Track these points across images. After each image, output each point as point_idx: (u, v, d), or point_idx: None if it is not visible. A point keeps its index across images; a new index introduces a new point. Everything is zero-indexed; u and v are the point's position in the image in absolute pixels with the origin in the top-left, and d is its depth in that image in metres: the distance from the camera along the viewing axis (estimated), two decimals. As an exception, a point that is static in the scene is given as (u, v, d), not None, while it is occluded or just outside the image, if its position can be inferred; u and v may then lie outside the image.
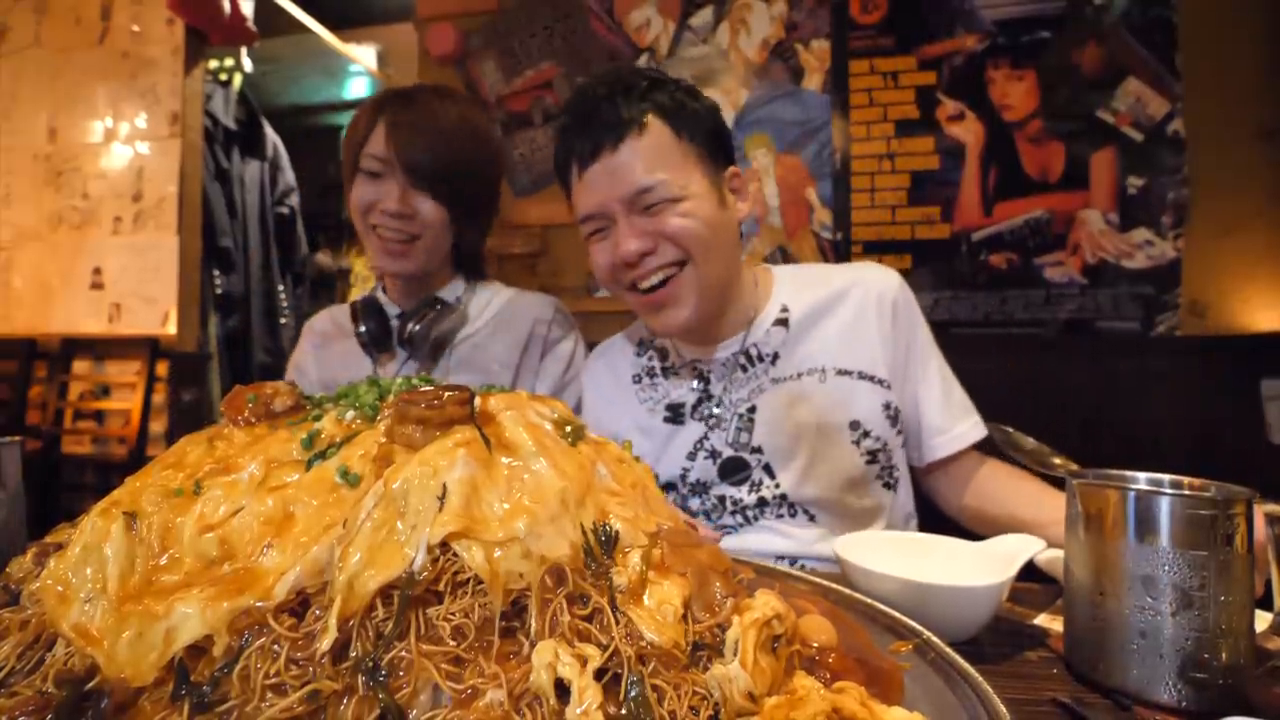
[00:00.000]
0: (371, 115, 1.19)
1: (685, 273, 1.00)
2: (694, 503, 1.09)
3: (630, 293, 1.04)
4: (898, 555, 0.73)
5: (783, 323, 1.09)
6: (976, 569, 0.70)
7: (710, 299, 1.03)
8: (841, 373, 1.05)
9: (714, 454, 1.07)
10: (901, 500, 1.09)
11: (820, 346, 1.07)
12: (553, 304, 1.35)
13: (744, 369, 1.08)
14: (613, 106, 0.98)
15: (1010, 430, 0.86)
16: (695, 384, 1.12)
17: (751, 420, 1.06)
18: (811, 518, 1.03)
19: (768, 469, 1.05)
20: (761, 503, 1.04)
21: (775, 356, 1.07)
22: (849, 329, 1.07)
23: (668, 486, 1.12)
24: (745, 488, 1.05)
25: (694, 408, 1.10)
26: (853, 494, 1.03)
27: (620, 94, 0.99)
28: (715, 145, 1.03)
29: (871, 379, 1.05)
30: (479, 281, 1.36)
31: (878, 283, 1.10)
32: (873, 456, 1.04)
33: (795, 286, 1.12)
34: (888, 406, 1.05)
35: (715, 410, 1.09)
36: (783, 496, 1.03)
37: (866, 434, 1.03)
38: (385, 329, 1.25)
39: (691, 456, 1.08)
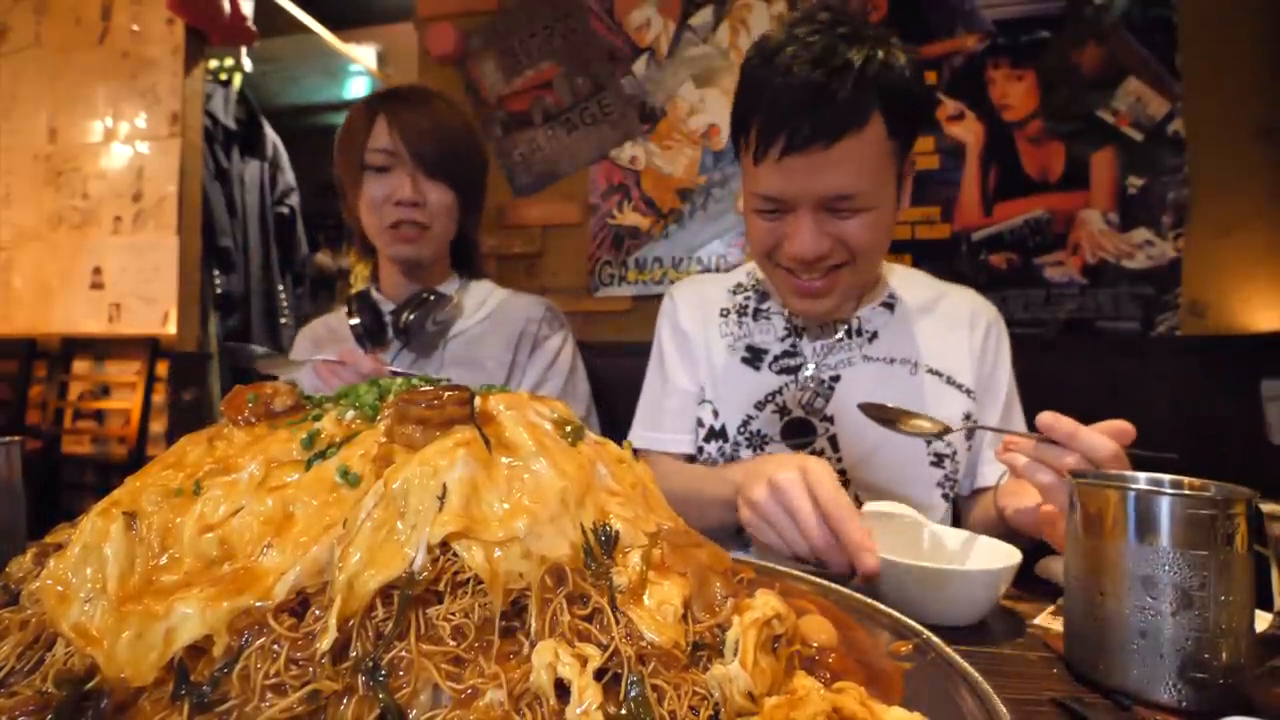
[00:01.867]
0: (367, 114, 1.21)
1: (844, 272, 0.97)
2: (745, 454, 1.08)
3: (782, 271, 1.00)
4: (900, 541, 0.73)
5: (889, 307, 1.09)
6: (978, 555, 0.71)
7: (856, 292, 1.03)
8: (932, 372, 1.05)
9: (783, 410, 1.06)
10: (952, 518, 1.08)
11: (918, 341, 1.07)
12: (545, 304, 1.37)
13: (840, 338, 1.08)
14: (841, 88, 0.84)
15: (882, 405, 0.86)
16: (785, 335, 1.10)
17: (832, 389, 1.05)
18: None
19: (833, 441, 1.04)
20: None
21: (874, 335, 1.07)
22: (946, 333, 1.08)
23: (719, 434, 1.10)
24: (805, 453, 1.05)
25: (776, 358, 1.09)
26: (910, 492, 1.02)
27: (849, 75, 0.85)
28: (913, 136, 0.94)
29: (959, 387, 1.05)
30: (473, 279, 1.36)
31: (975, 302, 1.13)
32: (939, 460, 1.03)
33: (903, 281, 1.13)
34: (968, 416, 1.04)
35: (799, 369, 1.08)
36: (841, 472, 1.03)
37: (939, 437, 1.04)
38: (379, 321, 1.27)
39: (760, 406, 1.07)
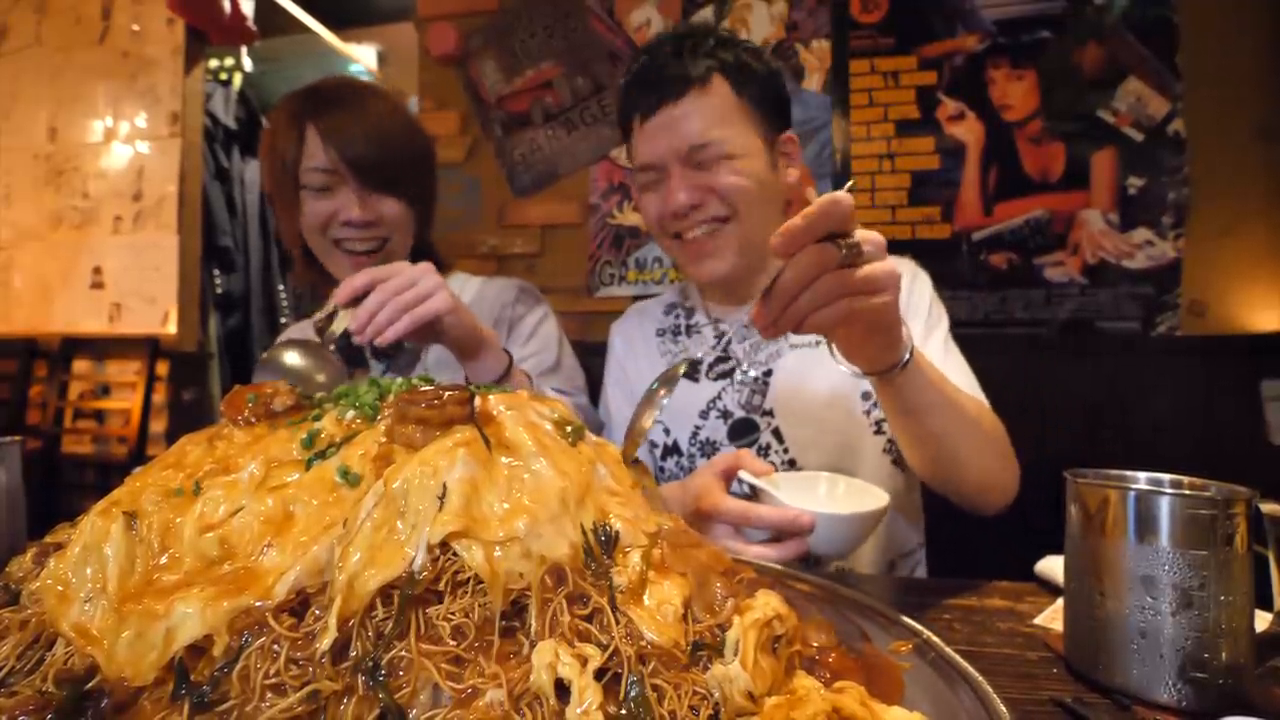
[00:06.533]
0: (294, 126, 1.09)
1: (728, 228, 1.03)
2: (700, 463, 1.09)
3: (674, 241, 1.07)
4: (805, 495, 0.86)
5: None
6: (850, 499, 0.86)
7: (748, 255, 1.06)
8: None
9: (725, 414, 1.09)
10: (912, 482, 1.08)
11: None
12: (517, 285, 1.32)
13: None
14: (679, 62, 1.01)
15: None
16: (715, 343, 1.15)
17: (766, 384, 1.08)
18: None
19: (777, 433, 1.06)
20: None
21: None
22: None
23: (672, 450, 1.13)
24: (753, 451, 1.06)
25: (711, 366, 1.13)
26: (861, 464, 1.04)
27: (687, 50, 1.02)
28: (774, 108, 1.06)
29: None
30: (443, 273, 1.31)
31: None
32: (879, 428, 1.04)
33: None
34: None
35: (732, 371, 1.11)
36: (791, 462, 1.05)
37: (877, 404, 1.04)
38: (351, 343, 1.15)
39: (704, 415, 1.11)
